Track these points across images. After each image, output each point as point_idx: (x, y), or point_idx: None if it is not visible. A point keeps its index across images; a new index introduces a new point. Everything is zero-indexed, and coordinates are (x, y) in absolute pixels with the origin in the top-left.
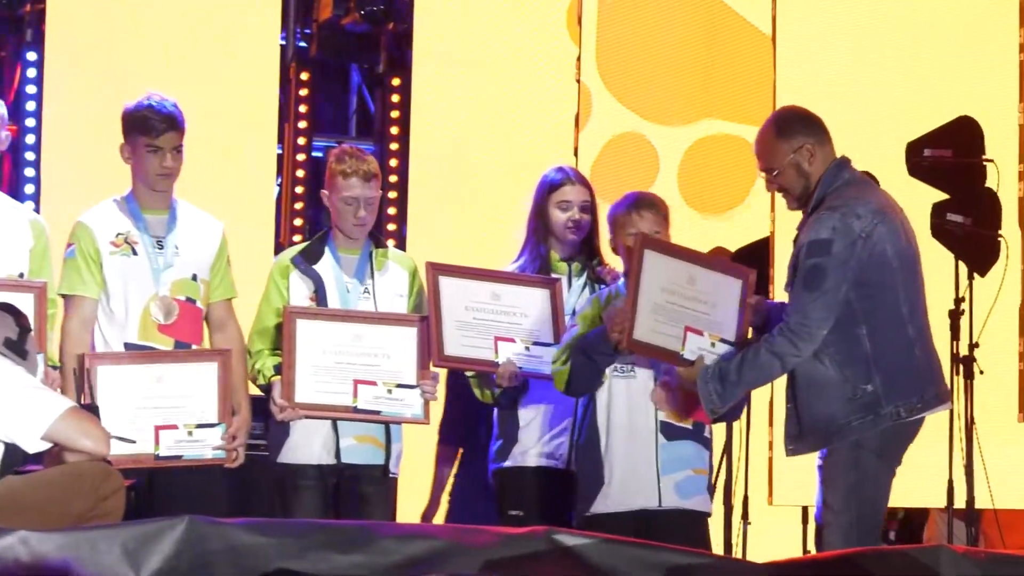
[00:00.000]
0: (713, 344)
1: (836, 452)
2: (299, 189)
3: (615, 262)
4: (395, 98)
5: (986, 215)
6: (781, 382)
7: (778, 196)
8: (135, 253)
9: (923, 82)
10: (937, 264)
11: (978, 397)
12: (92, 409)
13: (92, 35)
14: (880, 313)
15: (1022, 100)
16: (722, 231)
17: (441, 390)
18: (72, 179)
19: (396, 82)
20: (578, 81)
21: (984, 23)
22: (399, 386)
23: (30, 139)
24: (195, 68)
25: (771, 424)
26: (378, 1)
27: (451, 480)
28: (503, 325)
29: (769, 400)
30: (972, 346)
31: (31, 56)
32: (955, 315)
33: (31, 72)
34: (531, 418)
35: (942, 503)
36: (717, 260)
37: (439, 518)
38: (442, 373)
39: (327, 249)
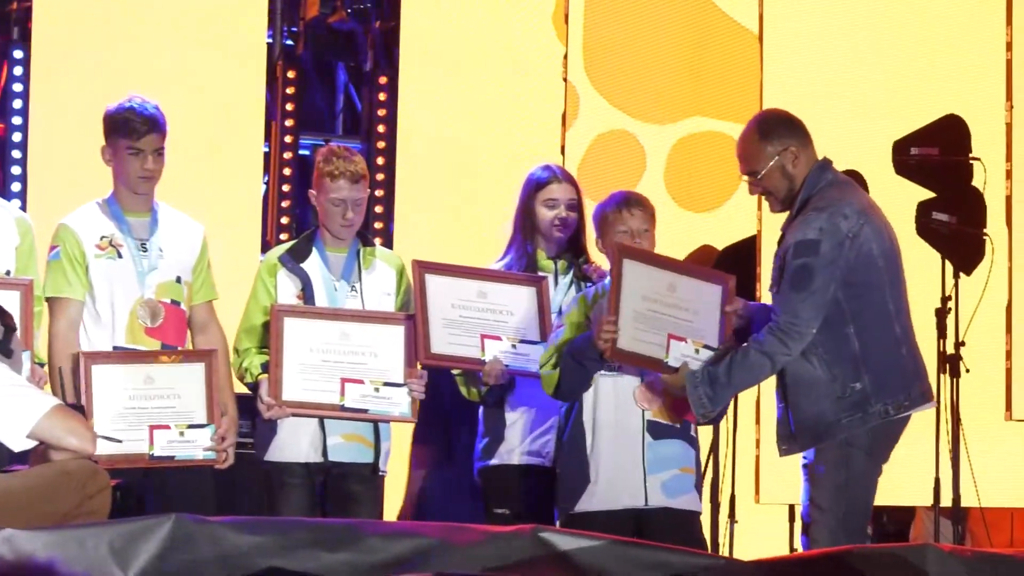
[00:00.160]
0: (697, 350)
1: (825, 450)
2: (286, 187)
3: (602, 260)
4: (382, 96)
5: (972, 214)
6: (769, 382)
7: None
8: (120, 256)
9: (910, 81)
10: (923, 263)
11: (964, 396)
12: (77, 408)
13: (79, 33)
14: (868, 312)
15: (1008, 99)
16: (709, 229)
17: None
18: (59, 177)
19: (383, 80)
20: (565, 79)
21: (971, 21)
22: (386, 384)
23: (16, 137)
24: (182, 66)
25: (758, 423)
26: None
27: (422, 480)
28: (489, 323)
29: (756, 399)
30: (958, 345)
31: (17, 54)
32: (941, 314)
33: (17, 70)
34: (517, 416)
35: (929, 501)
36: (696, 267)
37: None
38: None
39: (314, 247)
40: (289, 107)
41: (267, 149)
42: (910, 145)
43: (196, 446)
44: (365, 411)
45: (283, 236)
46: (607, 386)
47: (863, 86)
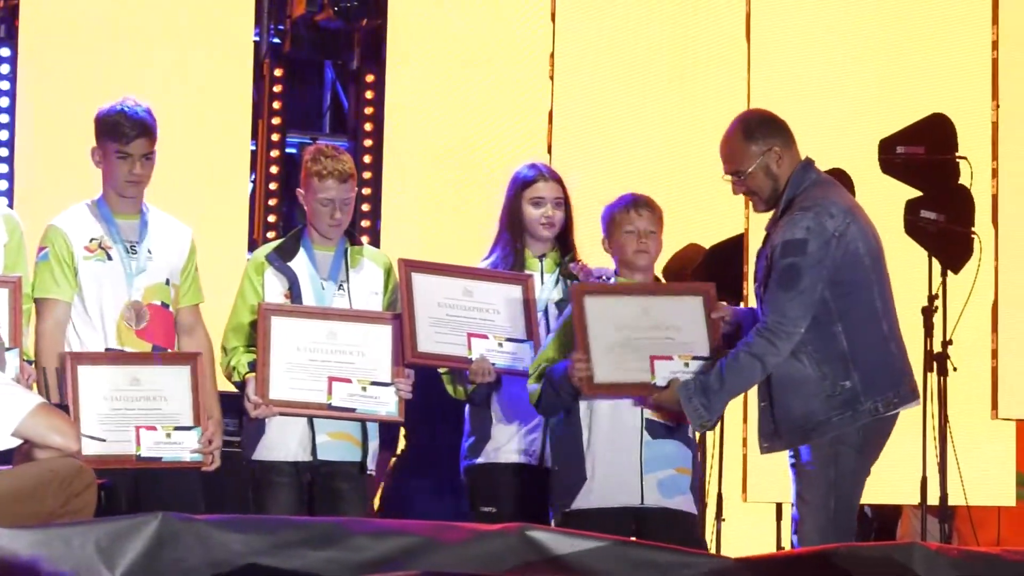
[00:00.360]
0: (687, 364)
1: (815, 448)
2: (273, 186)
3: (608, 260)
4: (369, 94)
5: (959, 212)
6: None
7: None
8: (109, 258)
9: (896, 79)
10: (910, 261)
11: (951, 394)
12: (61, 408)
13: (66, 31)
14: (855, 311)
15: (995, 97)
16: (696, 227)
17: None
18: (45, 176)
19: (370, 78)
20: (551, 78)
21: (957, 20)
22: (374, 384)
23: (3, 135)
24: (169, 64)
25: (745, 421)
26: None
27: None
28: (476, 321)
29: (743, 397)
30: (946, 343)
31: (4, 52)
32: (928, 312)
33: (4, 68)
34: (504, 414)
35: (916, 500)
36: (668, 285)
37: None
38: None
39: (302, 246)
40: (276, 105)
41: (254, 147)
42: (896, 144)
43: (183, 448)
44: (352, 410)
45: (270, 234)
46: None
47: (849, 85)
